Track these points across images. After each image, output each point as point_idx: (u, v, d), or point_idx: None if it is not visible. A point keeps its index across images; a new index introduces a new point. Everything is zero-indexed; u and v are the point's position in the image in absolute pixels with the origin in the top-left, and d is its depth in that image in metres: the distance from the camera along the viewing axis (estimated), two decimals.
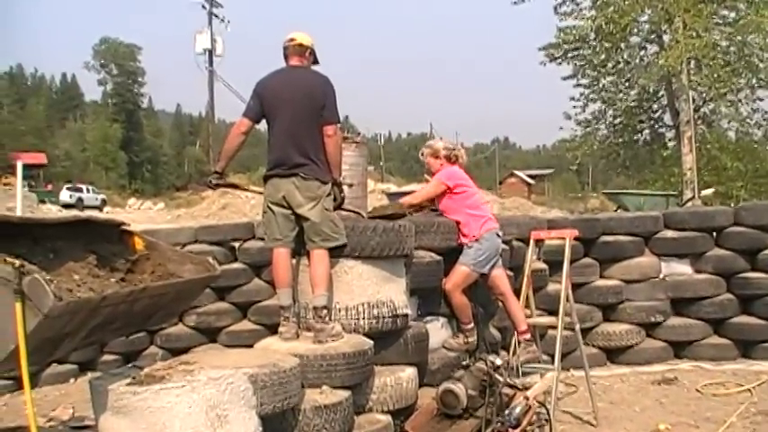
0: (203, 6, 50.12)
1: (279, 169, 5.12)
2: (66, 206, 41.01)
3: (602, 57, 23.18)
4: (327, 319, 4.99)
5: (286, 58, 5.37)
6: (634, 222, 8.75)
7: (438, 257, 6.07)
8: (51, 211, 31.11)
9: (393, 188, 24.13)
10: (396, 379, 5.15)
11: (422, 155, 6.69)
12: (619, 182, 35.76)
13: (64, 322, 3.45)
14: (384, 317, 5.26)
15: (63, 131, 77.77)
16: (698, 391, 7.03)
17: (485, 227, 6.20)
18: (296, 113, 5.09)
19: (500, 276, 6.35)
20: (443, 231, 6.13)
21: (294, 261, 5.35)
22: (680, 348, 8.43)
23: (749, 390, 6.91)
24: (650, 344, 8.43)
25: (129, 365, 5.17)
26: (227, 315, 8.87)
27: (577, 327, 6.38)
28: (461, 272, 6.14)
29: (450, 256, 6.18)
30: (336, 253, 5.15)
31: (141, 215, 35.58)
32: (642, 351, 8.35)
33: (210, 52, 46.30)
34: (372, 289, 5.26)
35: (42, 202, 35.67)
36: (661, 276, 8.63)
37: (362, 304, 5.23)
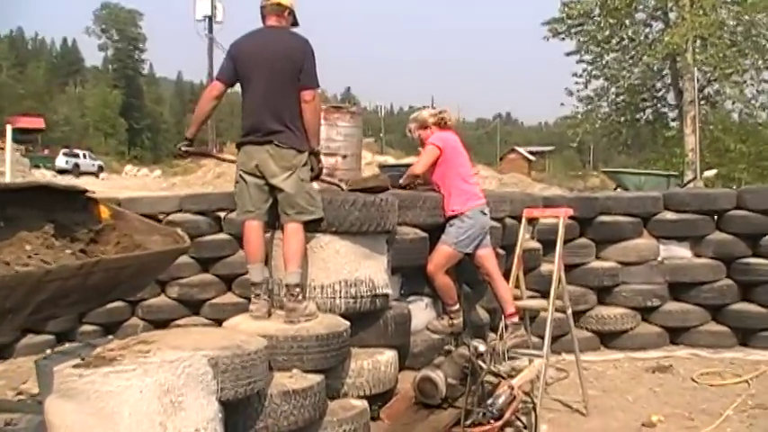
0: None
1: (252, 136, 4.78)
2: (62, 171, 40.58)
3: (607, 33, 23.01)
4: (301, 297, 4.69)
5: (263, 18, 5.02)
6: (633, 203, 8.46)
7: (423, 234, 5.75)
8: (45, 177, 30.71)
9: (391, 160, 23.80)
10: (373, 362, 4.88)
11: (410, 131, 6.35)
12: (620, 161, 35.60)
13: (1, 297, 3.15)
14: (362, 296, 4.98)
15: (63, 96, 77.49)
16: (693, 380, 6.79)
17: (469, 203, 5.86)
18: (272, 77, 4.75)
19: (487, 256, 6.03)
20: (429, 206, 5.81)
21: (268, 235, 5.05)
22: (676, 334, 8.18)
23: (746, 381, 6.66)
24: (646, 329, 8.16)
25: (84, 343, 4.87)
26: (211, 287, 8.63)
27: (569, 311, 6.07)
28: (443, 252, 5.82)
29: (437, 232, 5.88)
30: (312, 227, 4.84)
31: (136, 182, 35.27)
32: (637, 336, 8.09)
33: (210, 19, 45.63)
34: (350, 266, 4.97)
35: (36, 167, 35.32)
36: (659, 259, 8.35)
37: (339, 282, 4.93)
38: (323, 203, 4.87)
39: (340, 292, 4.93)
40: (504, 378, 4.60)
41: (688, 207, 8.31)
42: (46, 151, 48.93)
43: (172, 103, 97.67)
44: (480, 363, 4.37)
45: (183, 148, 5.14)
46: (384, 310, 5.20)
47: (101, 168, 47.76)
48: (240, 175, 4.86)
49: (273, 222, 4.98)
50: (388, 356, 5.01)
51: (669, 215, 8.36)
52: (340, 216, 4.90)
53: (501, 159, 62.11)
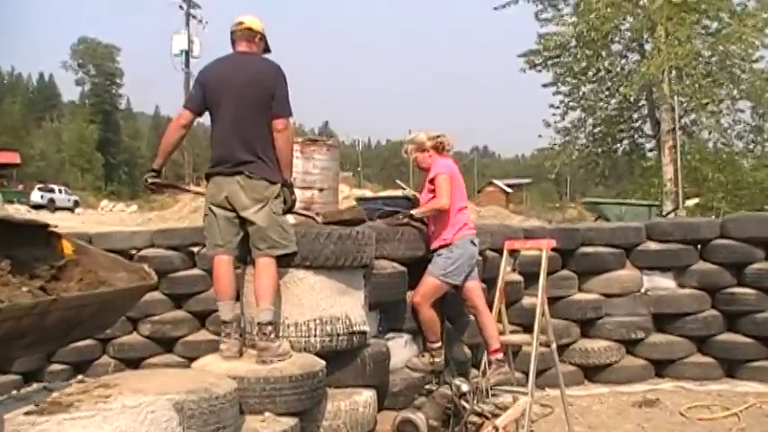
0: (181, 7, 49.58)
1: (222, 167, 4.59)
2: (37, 207, 40.30)
3: (583, 64, 23.04)
4: (273, 336, 4.46)
5: (233, 43, 4.85)
6: (615, 233, 8.30)
7: (402, 268, 5.56)
8: (19, 212, 30.30)
9: (369, 194, 23.63)
10: (351, 403, 4.67)
11: (406, 152, 6.13)
12: (597, 192, 35.58)
13: None
14: (339, 334, 4.77)
15: (39, 131, 76.96)
16: (682, 414, 6.59)
17: (460, 233, 5.67)
18: (242, 104, 4.56)
19: (474, 288, 5.82)
20: (408, 240, 5.63)
21: (239, 270, 4.84)
22: (662, 367, 8.00)
23: (736, 414, 6.46)
24: (630, 362, 7.98)
25: (42, 385, 4.61)
26: (184, 324, 8.34)
27: (554, 345, 5.88)
28: (430, 283, 5.61)
29: (417, 266, 5.68)
30: (285, 262, 4.64)
31: (112, 217, 34.97)
32: (622, 369, 7.90)
33: (187, 53, 45.75)
34: (326, 303, 4.76)
35: (10, 202, 34.91)
36: (643, 290, 8.18)
37: (314, 320, 4.72)
38: (296, 237, 4.66)
39: (315, 329, 4.72)
40: (488, 418, 4.37)
41: (671, 237, 8.17)
42: (20, 186, 48.47)
43: (149, 138, 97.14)
44: (463, 403, 4.15)
45: (149, 180, 4.94)
46: (361, 348, 5.00)
47: (76, 203, 47.43)
48: (209, 208, 4.66)
49: (244, 257, 4.77)
50: (367, 397, 4.80)
51: (652, 245, 8.22)
52: (314, 250, 4.70)
53: (479, 192, 62.21)
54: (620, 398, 7.24)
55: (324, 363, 4.51)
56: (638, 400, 7.09)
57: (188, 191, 6.10)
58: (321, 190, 5.91)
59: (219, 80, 4.66)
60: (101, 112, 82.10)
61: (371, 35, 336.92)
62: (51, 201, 44.41)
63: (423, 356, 5.71)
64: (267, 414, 4.12)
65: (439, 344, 5.71)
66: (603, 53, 23.00)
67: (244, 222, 4.59)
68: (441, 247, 5.68)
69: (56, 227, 4.46)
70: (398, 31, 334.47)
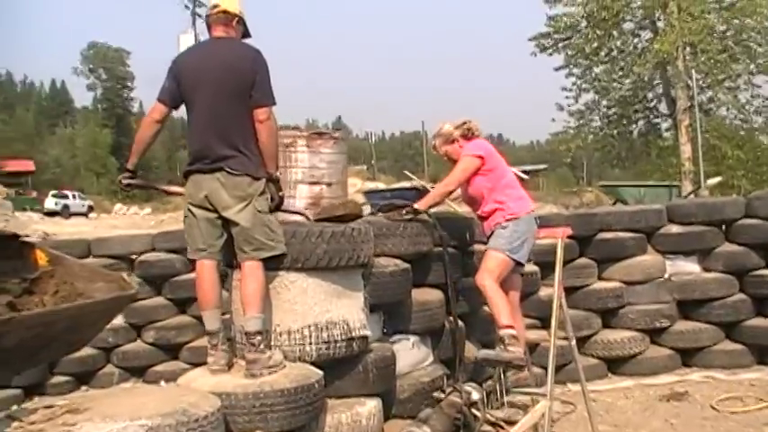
0: (186, 6, 49.76)
1: (200, 164, 4.22)
2: (50, 213, 40.33)
3: (595, 45, 22.81)
4: (263, 346, 4.09)
5: (209, 28, 4.48)
6: (635, 217, 7.88)
7: (405, 265, 5.16)
8: (32, 220, 30.24)
9: (381, 186, 23.29)
10: (353, 415, 4.32)
11: (435, 148, 5.77)
12: (614, 175, 35.19)
13: None
14: (336, 340, 4.39)
15: (53, 138, 77.32)
16: (713, 407, 6.19)
17: (525, 207, 5.30)
18: (218, 94, 4.19)
19: (517, 280, 5.48)
20: (411, 234, 5.23)
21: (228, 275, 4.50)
22: (689, 356, 7.60)
23: None
24: (656, 352, 7.58)
25: (4, 414, 4.27)
26: (189, 329, 8.15)
27: (573, 342, 5.47)
28: (495, 258, 5.13)
29: (421, 263, 5.29)
30: (274, 265, 4.26)
31: (126, 220, 34.97)
32: (647, 360, 7.51)
33: None
34: (321, 307, 4.39)
35: (23, 209, 34.94)
36: (666, 276, 7.80)
37: (309, 326, 4.35)
38: (285, 236, 4.29)
39: (310, 337, 4.34)
40: (502, 427, 3.99)
41: (694, 218, 7.77)
42: (34, 193, 48.62)
43: (162, 140, 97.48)
44: (475, 412, 3.77)
45: (124, 181, 4.59)
46: (363, 354, 4.63)
47: (90, 208, 47.48)
48: (189, 209, 4.29)
49: (230, 261, 4.40)
50: (370, 407, 4.45)
51: (674, 228, 7.82)
52: (306, 250, 4.32)
53: None
54: (647, 391, 6.88)
55: (321, 373, 4.16)
56: (665, 393, 6.71)
57: (165, 191, 5.73)
58: (329, 185, 5.56)
59: (194, 69, 4.29)
60: (113, 116, 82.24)
61: (385, 26, 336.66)
62: (65, 207, 44.39)
63: (501, 349, 5.04)
64: None
65: (514, 331, 5.08)
66: (615, 32, 22.78)
67: (226, 223, 4.23)
68: (507, 221, 5.25)
69: (27, 236, 4.15)
70: (407, 19, 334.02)
